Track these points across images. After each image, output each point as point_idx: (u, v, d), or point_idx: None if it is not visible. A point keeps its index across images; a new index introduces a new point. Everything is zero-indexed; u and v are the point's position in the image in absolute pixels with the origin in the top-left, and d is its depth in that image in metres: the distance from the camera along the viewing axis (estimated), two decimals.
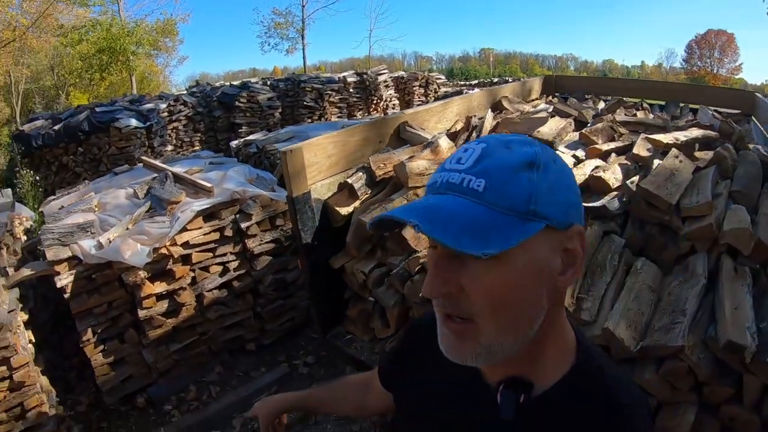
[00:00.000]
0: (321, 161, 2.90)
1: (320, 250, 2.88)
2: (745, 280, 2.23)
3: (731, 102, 5.11)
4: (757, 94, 5.01)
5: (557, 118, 4.01)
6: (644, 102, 5.33)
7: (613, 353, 2.08)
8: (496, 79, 26.00)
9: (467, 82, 23.59)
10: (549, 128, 3.64)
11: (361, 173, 3.03)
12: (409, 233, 2.64)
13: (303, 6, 26.98)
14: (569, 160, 3.11)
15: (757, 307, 2.08)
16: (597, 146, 3.26)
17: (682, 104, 5.33)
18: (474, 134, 3.80)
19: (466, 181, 0.69)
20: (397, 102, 14.13)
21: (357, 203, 2.97)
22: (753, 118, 4.72)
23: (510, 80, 24.15)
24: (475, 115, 4.24)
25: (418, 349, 1.00)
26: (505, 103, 4.85)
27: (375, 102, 13.07)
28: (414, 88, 15.04)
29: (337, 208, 2.89)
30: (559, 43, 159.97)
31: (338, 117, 11.82)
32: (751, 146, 3.29)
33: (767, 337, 1.90)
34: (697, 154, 3.17)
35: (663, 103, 5.46)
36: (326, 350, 3.58)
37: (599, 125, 3.58)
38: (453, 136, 3.92)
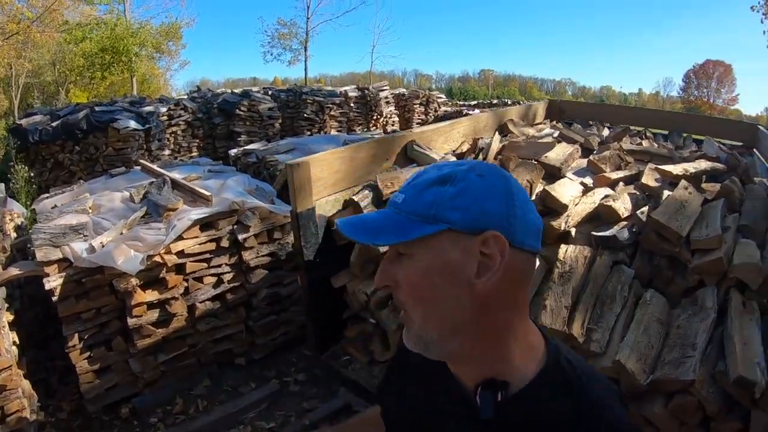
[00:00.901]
0: (327, 177, 2.85)
1: (321, 267, 2.82)
2: (754, 315, 2.24)
3: (734, 133, 5.13)
4: (760, 126, 5.00)
5: (564, 144, 3.98)
6: (648, 131, 5.31)
7: (622, 386, 2.05)
8: (495, 101, 26.08)
9: (466, 103, 23.64)
10: (556, 154, 3.60)
11: (367, 191, 2.97)
12: None
13: (308, 18, 27.00)
14: (577, 188, 3.06)
15: (766, 342, 2.09)
16: (606, 174, 3.22)
17: (685, 134, 5.32)
18: (480, 156, 3.75)
19: (395, 197, 0.85)
20: (397, 119, 14.05)
21: None
22: (755, 150, 4.72)
23: (510, 102, 24.37)
24: (482, 137, 4.22)
25: (403, 364, 1.07)
26: (511, 126, 4.84)
27: (375, 118, 12.98)
28: (414, 106, 15.01)
29: None
30: (558, 68, 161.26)
31: (338, 131, 11.72)
32: (756, 180, 3.27)
33: None
34: (705, 186, 3.15)
35: (666, 132, 5.45)
36: (320, 369, 3.49)
37: (607, 153, 3.55)
38: (459, 157, 3.88)
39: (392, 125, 13.55)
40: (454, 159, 3.34)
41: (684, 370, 2.00)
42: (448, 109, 15.97)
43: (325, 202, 2.86)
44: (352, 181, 3.04)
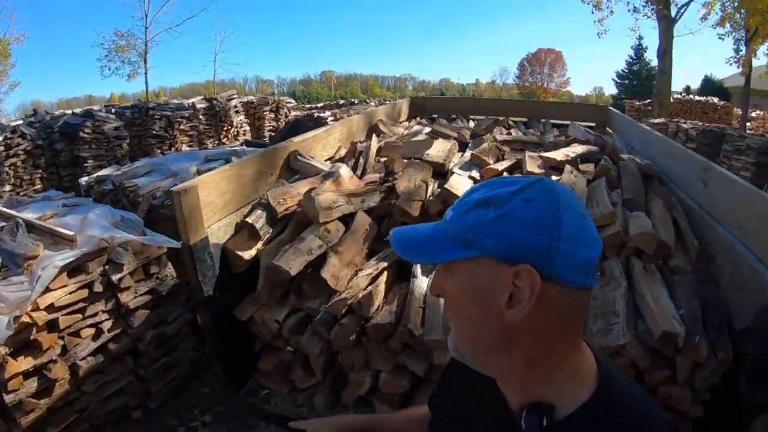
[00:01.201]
0: (215, 200, 2.60)
1: (222, 299, 2.57)
2: (656, 276, 2.49)
3: (587, 115, 5.60)
4: (609, 107, 5.51)
5: (441, 140, 4.04)
6: (509, 120, 5.59)
7: None
8: (341, 101, 26.48)
9: (314, 105, 23.66)
10: (436, 151, 3.64)
11: (260, 210, 2.76)
12: (327, 273, 2.43)
13: (146, 28, 25.55)
14: (468, 182, 3.09)
15: (671, 297, 2.33)
16: (492, 166, 3.30)
17: (543, 120, 5.68)
18: (361, 159, 3.69)
19: (448, 212, 0.87)
20: (248, 128, 13.61)
21: (260, 245, 2.69)
22: (608, 129, 5.16)
23: (356, 102, 24.80)
24: (360, 141, 4.16)
25: (457, 373, 1.07)
26: (382, 127, 4.85)
27: (226, 129, 12.48)
28: (265, 113, 14.56)
29: (239, 253, 2.59)
30: (397, 64, 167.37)
31: (189, 146, 11.08)
32: (625, 157, 3.54)
33: (688, 322, 2.16)
34: (582, 167, 3.34)
35: (526, 119, 5.78)
36: (226, 406, 3.22)
37: (485, 146, 3.64)
38: (339, 161, 3.78)
39: (244, 135, 13.09)
40: (347, 168, 3.22)
41: (614, 336, 2.16)
42: (299, 113, 15.73)
43: (217, 228, 2.61)
44: (240, 201, 2.82)
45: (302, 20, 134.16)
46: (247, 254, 2.61)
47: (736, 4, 19.10)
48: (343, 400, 2.57)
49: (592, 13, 20.39)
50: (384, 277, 2.57)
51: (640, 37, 36.90)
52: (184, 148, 10.87)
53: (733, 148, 9.91)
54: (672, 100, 19.25)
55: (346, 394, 2.55)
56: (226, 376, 2.72)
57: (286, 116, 15.40)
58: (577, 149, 3.53)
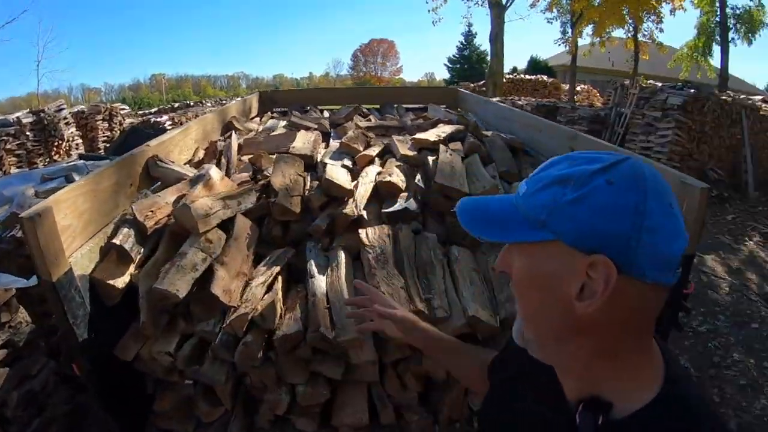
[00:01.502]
0: (74, 222, 2.21)
1: (98, 339, 2.21)
2: None
3: (438, 98, 5.80)
4: (459, 89, 5.76)
5: (303, 132, 3.94)
6: (363, 108, 5.62)
7: (480, 336, 2.15)
8: (176, 104, 25.25)
9: (148, 111, 22.28)
10: (302, 143, 3.56)
11: (126, 228, 2.41)
12: (218, 289, 2.20)
13: None
14: (342, 171, 3.02)
15: None
16: (365, 153, 3.26)
17: (396, 105, 5.78)
18: (223, 159, 3.48)
19: (521, 186, 0.81)
20: (80, 141, 12.40)
21: (133, 268, 2.36)
22: (459, 109, 5.39)
23: (191, 104, 23.69)
24: (219, 140, 3.93)
25: (514, 361, 1.01)
26: (236, 124, 4.67)
27: (57, 144, 11.25)
28: (98, 123, 13.36)
29: (111, 282, 2.22)
30: (229, 63, 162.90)
31: (18, 167, 9.85)
32: (488, 133, 3.70)
33: None
34: (452, 146, 3.43)
35: (378, 106, 5.86)
36: None
37: (352, 133, 3.61)
38: (199, 164, 3.54)
39: (77, 149, 11.91)
40: (217, 170, 2.96)
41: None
42: (134, 120, 14.68)
43: (80, 256, 2.21)
44: (101, 221, 2.43)
45: (128, 22, 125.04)
46: (121, 282, 2.26)
47: None
48: (258, 423, 2.37)
49: (427, 2, 21.27)
50: (279, 282, 2.41)
51: (470, 24, 39.70)
52: (13, 170, 9.61)
53: (566, 119, 11.09)
54: (504, 80, 20.75)
55: (261, 416, 2.35)
56: (119, 425, 2.36)
57: (121, 124, 14.32)
58: (445, 129, 3.62)
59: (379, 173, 2.96)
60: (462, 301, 2.21)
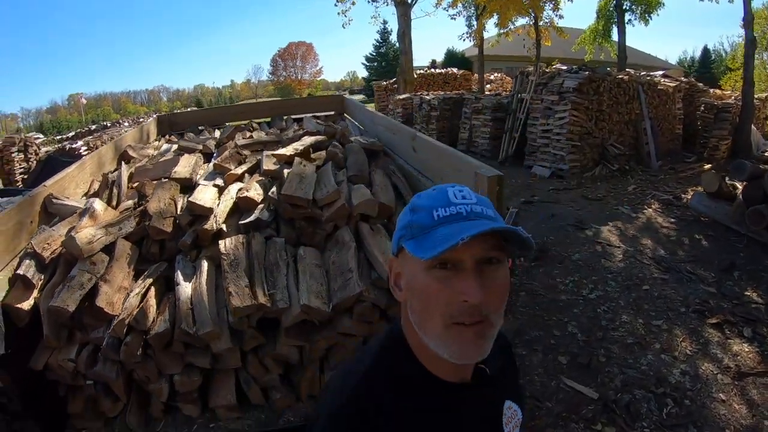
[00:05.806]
0: None
1: (16, 359, 2.61)
2: (382, 232, 3.15)
3: (326, 106, 6.30)
4: (344, 95, 6.29)
5: (186, 155, 4.32)
6: (253, 122, 6.03)
7: (316, 320, 2.71)
8: (93, 126, 24.49)
9: (65, 136, 21.58)
10: (183, 167, 3.92)
11: (28, 260, 2.85)
12: (102, 302, 2.66)
13: None
14: (213, 191, 3.46)
15: None
16: (232, 172, 3.70)
17: (285, 117, 6.22)
18: (114, 189, 3.84)
19: (484, 211, 0.90)
20: None
21: (36, 293, 2.79)
22: (346, 115, 5.90)
23: (108, 125, 23.08)
24: (110, 171, 4.27)
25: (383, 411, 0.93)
26: (131, 152, 4.93)
27: None
28: (13, 155, 13.00)
29: (18, 306, 2.66)
30: (148, 77, 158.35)
31: None
32: (352, 139, 4.21)
33: None
34: (314, 156, 3.91)
35: (269, 119, 6.28)
36: None
37: (226, 153, 4.03)
38: (94, 195, 3.89)
39: None
40: (100, 202, 3.36)
41: (350, 287, 2.72)
42: (50, 149, 14.41)
43: None
44: (8, 255, 2.88)
45: (40, 42, 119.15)
46: (27, 305, 2.68)
47: None
48: (152, 412, 2.83)
49: (336, 5, 21.36)
50: (152, 291, 2.85)
51: (385, 22, 40.26)
52: None
53: (471, 110, 11.68)
54: (416, 76, 21.31)
55: (153, 405, 2.81)
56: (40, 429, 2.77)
57: (36, 154, 13.97)
58: (306, 141, 4.08)
59: (240, 189, 3.42)
60: (299, 293, 2.72)
